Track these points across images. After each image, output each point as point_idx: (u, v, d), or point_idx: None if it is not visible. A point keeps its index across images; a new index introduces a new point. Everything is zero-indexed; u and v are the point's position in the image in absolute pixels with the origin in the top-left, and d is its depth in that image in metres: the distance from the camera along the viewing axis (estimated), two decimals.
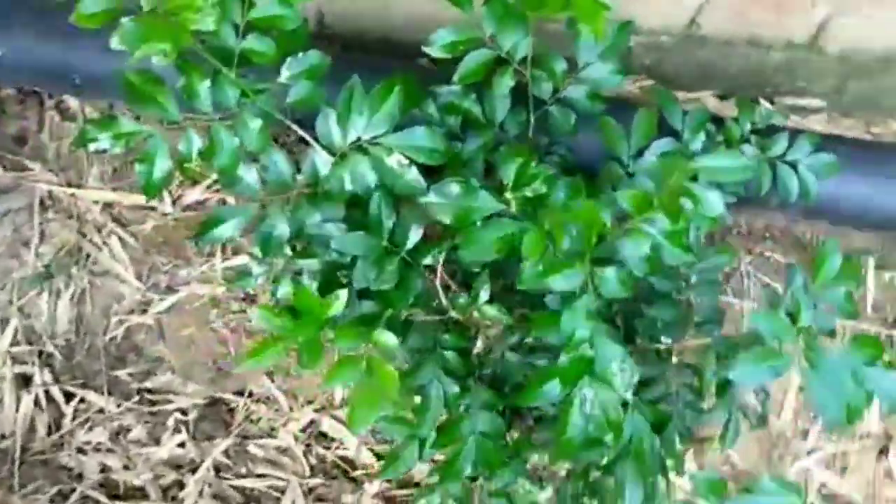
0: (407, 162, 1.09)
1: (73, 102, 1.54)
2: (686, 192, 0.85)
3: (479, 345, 1.15)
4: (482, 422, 1.12)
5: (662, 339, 1.07)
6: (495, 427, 1.13)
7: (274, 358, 0.96)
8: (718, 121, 1.36)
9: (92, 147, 1.01)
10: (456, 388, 1.10)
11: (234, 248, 1.52)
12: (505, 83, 1.21)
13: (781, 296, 0.95)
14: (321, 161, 1.15)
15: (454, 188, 0.99)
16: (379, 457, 1.50)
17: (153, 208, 1.52)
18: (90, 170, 1.53)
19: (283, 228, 1.16)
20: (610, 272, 0.89)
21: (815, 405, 0.83)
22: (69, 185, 1.53)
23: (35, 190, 1.52)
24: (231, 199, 1.50)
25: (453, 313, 1.13)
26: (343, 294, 0.97)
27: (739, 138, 1.34)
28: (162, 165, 1.03)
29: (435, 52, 1.18)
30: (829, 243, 0.98)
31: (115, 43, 0.95)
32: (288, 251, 1.21)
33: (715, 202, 0.87)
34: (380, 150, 1.08)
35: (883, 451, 1.55)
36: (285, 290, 1.26)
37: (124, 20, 0.91)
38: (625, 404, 0.91)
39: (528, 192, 0.98)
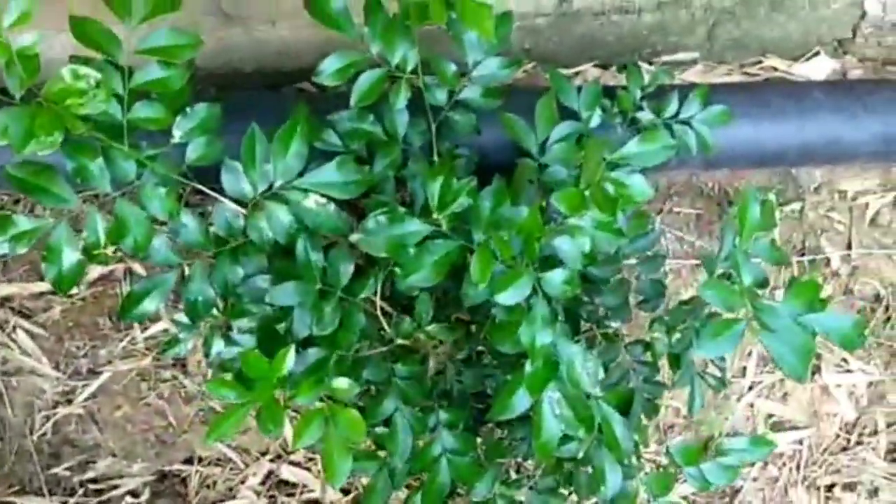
0: (324, 201, 1.06)
1: None
2: (614, 182, 0.86)
3: (431, 366, 1.14)
4: (450, 440, 1.12)
5: (611, 323, 1.08)
6: (464, 443, 1.12)
7: (236, 426, 0.93)
8: (609, 92, 1.38)
9: None
10: (419, 414, 1.08)
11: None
12: (401, 98, 1.19)
13: (713, 256, 0.97)
14: (232, 215, 1.11)
15: (381, 220, 0.97)
16: (346, 492, 1.47)
17: (55, 293, 1.43)
18: None
19: (207, 290, 1.12)
20: (556, 275, 0.89)
21: (775, 360, 0.85)
22: None
23: None
24: (137, 266, 1.43)
25: (399, 340, 1.12)
26: (291, 351, 0.94)
27: (633, 106, 1.36)
28: (70, 257, 0.97)
29: (325, 80, 1.16)
30: (746, 192, 1.01)
31: (11, 137, 0.90)
32: (215, 311, 1.17)
33: (642, 187, 0.89)
34: (295, 193, 1.05)
35: (815, 372, 1.63)
36: (219, 349, 1.22)
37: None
38: (589, 396, 0.92)
39: (456, 208, 0.97)
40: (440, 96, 1.24)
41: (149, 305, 1.09)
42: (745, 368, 1.61)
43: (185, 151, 1.07)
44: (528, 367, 0.88)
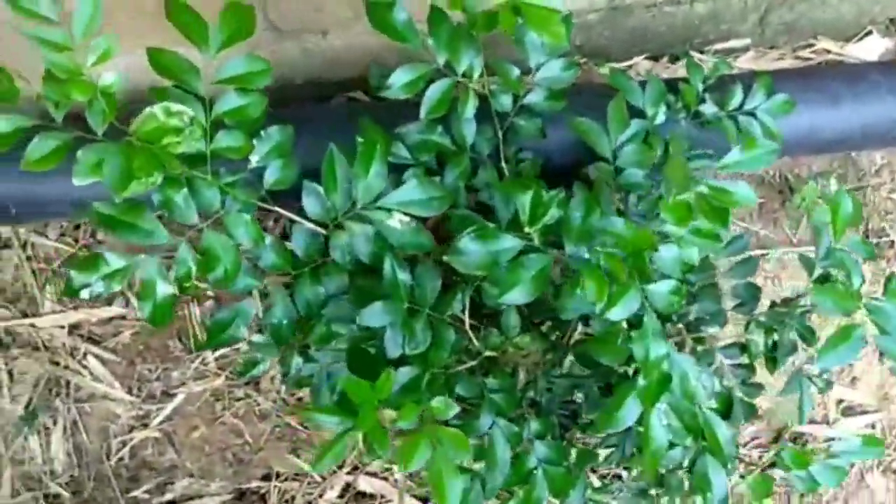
0: (408, 219, 1.05)
1: None
2: (715, 190, 0.85)
3: (521, 377, 1.13)
4: (543, 451, 1.11)
5: (707, 329, 1.07)
6: (557, 452, 1.12)
7: (342, 453, 0.93)
8: (669, 86, 1.36)
9: (85, 293, 0.93)
10: (515, 428, 1.08)
11: None
12: (470, 107, 1.18)
13: (812, 259, 0.96)
14: (312, 236, 1.10)
15: (473, 238, 0.96)
16: (424, 500, 1.47)
17: (124, 317, 1.43)
18: (43, 294, 1.43)
19: (291, 312, 1.12)
20: (662, 286, 0.88)
21: (890, 358, 0.84)
22: (25, 315, 1.42)
23: None
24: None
25: (487, 353, 1.11)
26: (392, 374, 0.94)
27: (696, 99, 1.34)
28: (164, 291, 0.96)
29: (395, 94, 1.15)
30: (837, 193, 1.00)
31: (82, 180, 0.89)
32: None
33: (747, 193, 0.87)
34: (379, 213, 1.04)
35: (883, 354, 1.61)
36: (298, 366, 1.22)
37: (83, 155, 0.85)
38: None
39: (548, 220, 0.96)
40: (505, 102, 1.23)
41: (234, 332, 1.09)
42: (813, 357, 1.60)
43: (263, 175, 1.07)
44: (640, 381, 0.87)
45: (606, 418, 0.93)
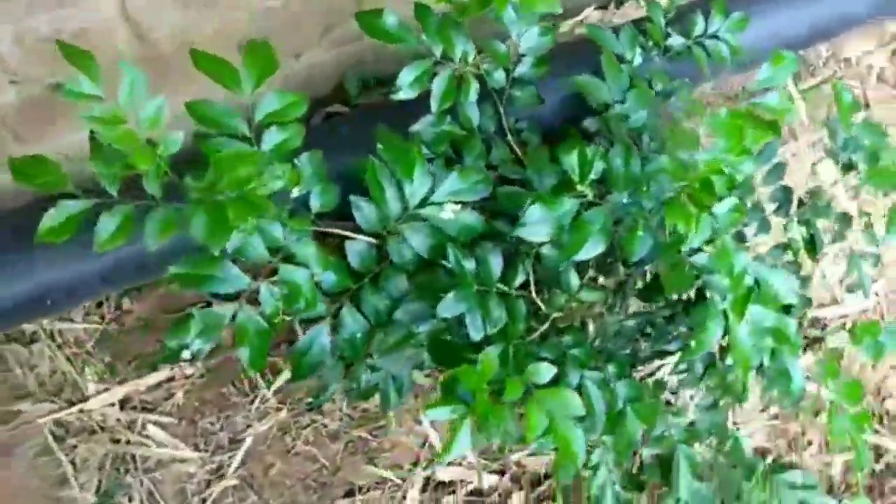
0: (458, 208, 1.09)
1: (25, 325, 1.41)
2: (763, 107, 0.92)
3: (591, 330, 1.19)
4: (625, 390, 1.17)
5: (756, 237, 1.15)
6: (636, 389, 1.18)
7: (467, 441, 0.96)
8: (637, 27, 1.43)
9: (187, 354, 0.95)
10: (601, 375, 1.13)
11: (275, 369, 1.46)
12: (472, 91, 1.23)
13: (836, 149, 1.04)
14: (365, 248, 1.13)
15: (536, 211, 1.00)
16: (501, 473, 1.52)
17: (172, 378, 1.42)
18: (84, 378, 1.41)
19: (361, 325, 1.14)
20: (725, 206, 0.94)
21: None
22: (71, 404, 1.40)
23: (40, 427, 1.38)
24: None
25: (556, 314, 1.16)
26: (490, 354, 0.98)
27: (663, 35, 1.42)
28: (258, 329, 0.98)
29: (405, 94, 1.18)
30: (836, 86, 1.08)
31: (155, 244, 0.91)
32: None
33: (783, 102, 0.95)
34: (430, 209, 1.08)
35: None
36: (367, 378, 1.25)
37: (151, 222, 0.87)
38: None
39: (594, 176, 1.02)
40: (499, 77, 1.28)
41: (315, 358, 1.11)
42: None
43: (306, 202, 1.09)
44: (718, 300, 0.94)
45: (699, 342, 0.99)
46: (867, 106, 1.75)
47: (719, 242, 0.92)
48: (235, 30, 1.29)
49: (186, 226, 0.86)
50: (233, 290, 0.97)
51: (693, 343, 0.99)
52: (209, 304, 1.45)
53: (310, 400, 1.45)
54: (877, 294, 1.73)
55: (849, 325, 1.71)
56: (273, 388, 1.45)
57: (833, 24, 1.59)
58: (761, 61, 1.63)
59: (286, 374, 1.45)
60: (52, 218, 0.89)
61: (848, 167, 1.06)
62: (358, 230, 1.12)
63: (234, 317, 0.97)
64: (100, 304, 1.43)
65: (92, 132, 0.91)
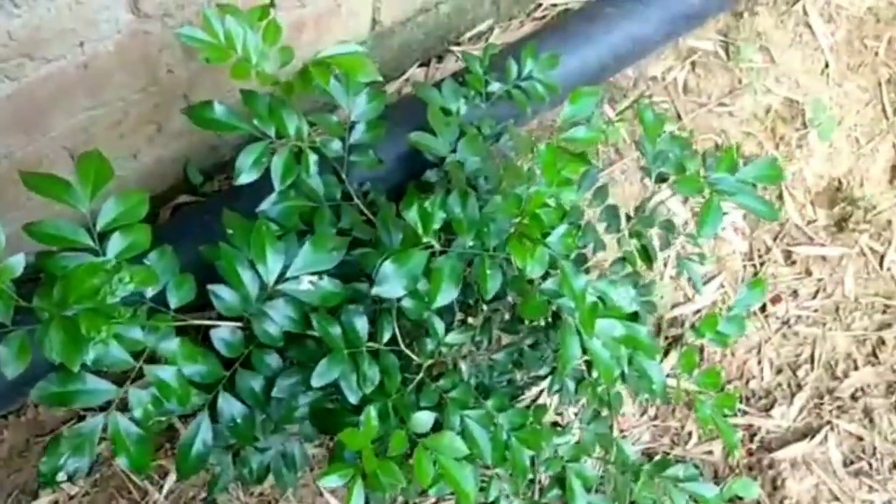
0: (315, 278, 1.12)
1: None
2: (570, 140, 1.01)
3: (464, 369, 1.24)
4: (509, 421, 1.22)
5: (595, 257, 1.23)
6: (520, 417, 1.23)
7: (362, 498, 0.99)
8: (460, 81, 1.52)
9: (63, 476, 0.93)
10: (482, 412, 1.18)
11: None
12: (312, 164, 1.27)
13: (649, 166, 1.15)
14: (230, 332, 1.14)
15: (388, 268, 1.05)
16: None
17: (57, 502, 1.37)
18: None
19: (238, 410, 1.15)
20: (556, 234, 1.02)
21: (753, 211, 1.04)
22: None
23: None
24: None
25: (428, 361, 1.20)
26: (370, 412, 1.02)
27: (483, 83, 1.51)
28: (136, 436, 0.97)
29: (246, 177, 1.21)
30: (641, 108, 1.19)
31: (14, 372, 0.90)
32: None
33: (587, 134, 1.04)
34: (289, 284, 1.11)
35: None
36: (257, 461, 1.26)
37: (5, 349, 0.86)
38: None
39: (437, 225, 1.08)
40: (335, 147, 1.33)
41: (200, 451, 1.11)
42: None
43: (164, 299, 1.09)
44: (574, 316, 1.01)
45: (564, 359, 1.06)
46: (679, 118, 1.91)
47: (560, 268, 1.00)
48: (57, 147, 1.29)
49: (41, 346, 0.86)
50: (101, 401, 0.96)
51: (559, 363, 1.06)
52: (82, 418, 1.42)
53: (203, 496, 1.42)
54: (723, 286, 1.87)
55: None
56: (164, 490, 1.42)
57: (631, 48, 1.75)
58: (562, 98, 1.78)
59: (173, 476, 1.42)
60: None
61: (661, 179, 1.17)
62: (220, 317, 1.14)
63: (104, 428, 0.96)
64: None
65: None
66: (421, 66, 1.78)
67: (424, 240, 1.07)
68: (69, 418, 1.42)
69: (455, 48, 1.80)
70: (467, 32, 1.82)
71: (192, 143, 1.51)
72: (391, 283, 1.05)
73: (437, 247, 1.08)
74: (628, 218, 1.26)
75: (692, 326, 1.17)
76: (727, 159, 1.13)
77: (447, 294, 1.05)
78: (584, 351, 1.08)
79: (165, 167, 1.52)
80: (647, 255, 1.23)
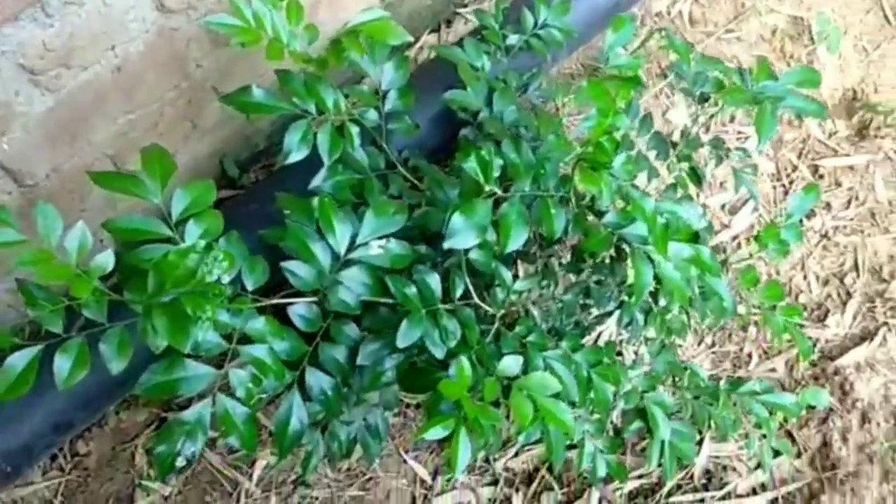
0: (383, 242, 1.14)
1: None
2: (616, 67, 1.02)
3: (535, 315, 1.25)
4: (586, 359, 1.24)
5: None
6: (595, 356, 1.24)
7: (467, 450, 1.01)
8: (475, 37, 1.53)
9: (181, 461, 0.94)
10: (560, 351, 1.19)
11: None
12: (355, 136, 1.28)
13: (688, 86, 1.16)
14: (306, 308, 1.15)
15: (457, 220, 1.06)
16: (494, 482, 1.56)
17: None
18: None
19: (327, 383, 1.16)
20: (618, 160, 1.03)
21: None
22: None
23: None
24: None
25: (499, 312, 1.22)
26: (463, 361, 1.03)
27: (500, 38, 1.52)
28: (242, 416, 0.98)
29: (295, 156, 1.21)
30: (670, 39, 1.20)
31: (119, 366, 0.91)
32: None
33: (630, 61, 1.05)
34: (359, 252, 1.12)
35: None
36: (344, 433, 1.27)
37: (108, 345, 0.87)
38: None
39: (496, 172, 1.09)
40: (372, 117, 1.34)
41: (296, 427, 1.12)
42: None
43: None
44: (648, 240, 1.03)
45: (639, 287, 1.07)
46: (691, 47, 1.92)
47: (627, 193, 1.01)
48: (101, 154, 1.30)
49: (144, 336, 0.88)
50: (203, 385, 0.97)
51: (633, 292, 1.07)
52: (163, 420, 1.44)
53: (292, 479, 1.44)
54: (756, 209, 1.89)
55: (740, 244, 1.86)
56: (254, 479, 1.44)
57: None
58: (588, 36, 1.78)
59: (262, 462, 1.44)
60: (6, 375, 0.88)
61: (703, 99, 1.18)
62: (289, 295, 1.15)
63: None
64: (54, 458, 1.38)
65: (19, 281, 0.91)
66: (431, 32, 1.78)
67: (486, 188, 1.09)
68: (150, 422, 1.44)
69: (462, 10, 1.80)
70: None
71: (226, 137, 1.52)
72: (462, 234, 1.06)
73: (500, 193, 1.09)
74: (673, 145, 1.27)
75: (752, 238, 1.18)
76: (763, 70, 1.14)
77: (518, 238, 1.06)
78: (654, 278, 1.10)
79: (202, 163, 1.52)
80: (697, 177, 1.24)
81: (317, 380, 1.15)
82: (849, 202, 1.91)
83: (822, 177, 1.93)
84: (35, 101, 1.14)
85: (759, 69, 1.15)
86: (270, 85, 1.23)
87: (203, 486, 1.41)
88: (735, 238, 1.86)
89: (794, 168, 1.94)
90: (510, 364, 1.09)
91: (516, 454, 1.56)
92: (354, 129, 1.27)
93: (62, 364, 0.89)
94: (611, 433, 1.41)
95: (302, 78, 1.24)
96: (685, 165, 1.22)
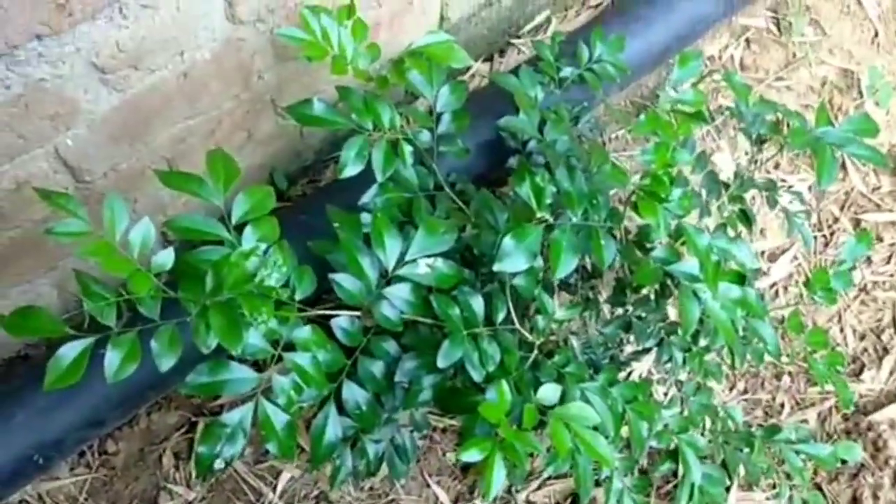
0: (431, 261, 1.14)
1: None
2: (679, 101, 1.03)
3: (574, 345, 1.25)
4: (622, 394, 1.23)
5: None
6: (632, 391, 1.24)
7: (501, 472, 1.00)
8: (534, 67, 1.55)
9: (220, 463, 0.95)
10: (597, 384, 1.19)
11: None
12: (408, 155, 1.29)
13: (747, 127, 1.16)
14: (349, 321, 1.16)
15: (508, 243, 1.07)
16: None
17: None
18: None
19: (363, 397, 1.17)
20: (674, 195, 1.03)
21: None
22: None
23: None
24: None
25: (539, 340, 1.22)
26: (504, 385, 1.03)
27: (555, 69, 1.53)
28: (282, 422, 0.99)
29: (350, 170, 1.22)
30: (730, 78, 1.21)
31: (168, 362, 0.92)
32: None
33: (696, 97, 1.06)
34: (407, 269, 1.12)
35: None
36: (373, 450, 1.27)
37: (159, 342, 0.89)
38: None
39: (548, 199, 1.10)
40: (425, 138, 1.35)
41: (332, 438, 1.13)
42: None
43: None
44: (701, 274, 1.03)
45: (686, 322, 1.07)
46: None
47: (683, 228, 1.01)
48: (158, 157, 1.32)
49: (196, 335, 0.89)
50: (247, 389, 0.98)
51: (675, 331, 1.07)
52: (193, 425, 1.45)
53: (315, 493, 1.44)
54: (796, 258, 1.88)
55: (778, 291, 1.85)
56: (278, 490, 1.44)
57: (690, 28, 1.76)
58: (639, 74, 1.80)
59: (286, 475, 1.44)
60: (57, 365, 0.89)
61: (761, 140, 1.18)
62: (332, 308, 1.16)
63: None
64: (82, 454, 1.39)
65: (77, 272, 0.92)
66: (485, 61, 1.80)
67: (538, 214, 1.09)
68: (181, 425, 1.44)
69: (515, 41, 1.82)
70: (526, 25, 1.84)
71: (278, 149, 1.54)
72: (513, 258, 1.07)
73: (551, 220, 1.10)
74: (725, 186, 1.27)
75: (806, 282, 1.17)
76: (823, 116, 1.15)
77: (567, 265, 1.07)
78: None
79: (253, 174, 1.54)
80: (748, 219, 1.24)
81: (353, 394, 1.16)
82: (889, 257, 1.89)
83: (863, 230, 1.92)
84: (102, 100, 1.16)
85: (818, 114, 1.15)
86: (328, 99, 1.25)
87: (227, 494, 1.42)
88: (773, 286, 1.85)
89: (836, 220, 1.93)
90: (549, 392, 1.09)
91: (539, 487, 1.55)
92: (408, 148, 1.29)
93: (114, 357, 0.90)
94: (636, 473, 1.40)
95: (362, 94, 1.26)
96: (736, 206, 1.22)
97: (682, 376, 1.37)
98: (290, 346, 1.06)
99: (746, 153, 1.54)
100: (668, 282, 1.21)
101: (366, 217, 1.20)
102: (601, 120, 1.62)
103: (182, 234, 0.97)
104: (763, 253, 1.87)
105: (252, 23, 1.27)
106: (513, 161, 1.45)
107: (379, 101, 1.27)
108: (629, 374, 1.64)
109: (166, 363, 0.92)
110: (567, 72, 1.54)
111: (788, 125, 1.21)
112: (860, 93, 2.04)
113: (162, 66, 1.20)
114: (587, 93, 1.57)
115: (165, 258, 0.90)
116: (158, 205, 1.41)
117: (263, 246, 0.88)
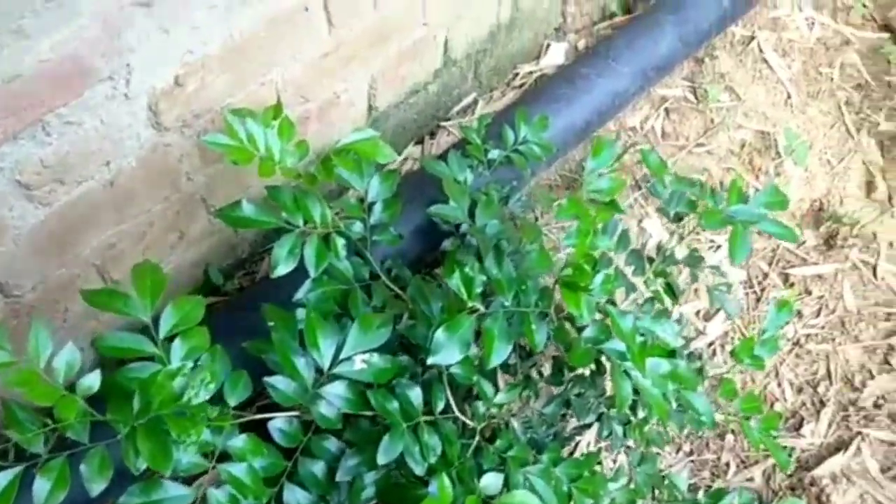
0: (367, 356, 1.15)
1: None
2: (597, 192, 1.06)
3: (516, 427, 1.27)
4: (566, 473, 1.24)
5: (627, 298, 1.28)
6: (575, 469, 1.25)
7: None
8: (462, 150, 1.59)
9: None
10: (542, 466, 1.20)
11: None
12: (341, 248, 1.31)
13: (666, 207, 1.21)
14: (286, 423, 1.16)
15: (441, 336, 1.08)
16: None
17: None
18: None
19: (306, 499, 1.15)
20: (597, 280, 1.06)
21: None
22: None
23: None
24: None
25: (480, 425, 1.23)
26: (444, 479, 1.03)
27: (483, 151, 1.58)
28: None
29: (282, 269, 1.23)
30: (647, 156, 1.26)
31: (99, 487, 0.91)
32: None
33: (610, 184, 1.10)
34: (342, 367, 1.13)
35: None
36: None
37: (89, 467, 0.87)
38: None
39: (478, 288, 1.12)
40: (357, 229, 1.37)
41: None
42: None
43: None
44: (628, 354, 1.05)
45: (620, 401, 1.09)
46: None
47: (607, 312, 1.04)
48: (88, 265, 1.32)
49: (125, 457, 0.87)
50: None
51: (616, 404, 1.09)
52: None
53: None
54: (729, 317, 1.93)
55: (715, 350, 1.89)
56: None
57: (610, 103, 1.83)
58: (565, 150, 1.85)
59: None
60: None
61: (678, 218, 1.23)
62: (266, 409, 1.15)
63: None
64: None
65: (4, 401, 0.91)
66: (416, 143, 1.84)
67: (469, 304, 1.11)
68: None
69: (445, 123, 1.87)
70: (454, 108, 1.89)
71: (212, 246, 1.54)
72: (446, 350, 1.08)
73: (482, 309, 1.12)
74: (650, 260, 1.31)
75: (732, 352, 1.21)
76: (735, 192, 1.20)
77: (501, 353, 1.09)
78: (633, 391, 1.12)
79: (186, 272, 1.54)
80: (673, 293, 1.28)
81: (295, 497, 1.14)
82: (819, 310, 1.95)
83: (792, 285, 1.98)
84: (28, 215, 1.16)
85: (731, 192, 1.21)
86: (258, 194, 1.27)
87: None
88: (710, 345, 1.89)
89: (765, 275, 1.99)
90: (491, 482, 1.10)
91: None
92: (340, 241, 1.30)
93: (42, 486, 0.89)
94: None
95: (291, 192, 1.28)
96: (661, 281, 1.26)
97: (630, 443, 1.38)
98: (226, 455, 1.05)
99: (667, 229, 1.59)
100: (602, 358, 1.24)
101: (301, 313, 1.20)
102: (532, 196, 1.66)
103: (110, 353, 0.96)
104: (698, 312, 1.92)
105: (178, 128, 1.28)
106: (447, 243, 1.48)
107: (309, 197, 1.28)
108: (575, 446, 1.65)
109: (97, 488, 0.91)
110: (495, 154, 1.59)
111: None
112: (778, 153, 2.13)
113: (88, 177, 1.21)
114: (516, 172, 1.61)
115: (92, 381, 0.90)
116: (90, 312, 1.39)
117: (190, 364, 0.88)
